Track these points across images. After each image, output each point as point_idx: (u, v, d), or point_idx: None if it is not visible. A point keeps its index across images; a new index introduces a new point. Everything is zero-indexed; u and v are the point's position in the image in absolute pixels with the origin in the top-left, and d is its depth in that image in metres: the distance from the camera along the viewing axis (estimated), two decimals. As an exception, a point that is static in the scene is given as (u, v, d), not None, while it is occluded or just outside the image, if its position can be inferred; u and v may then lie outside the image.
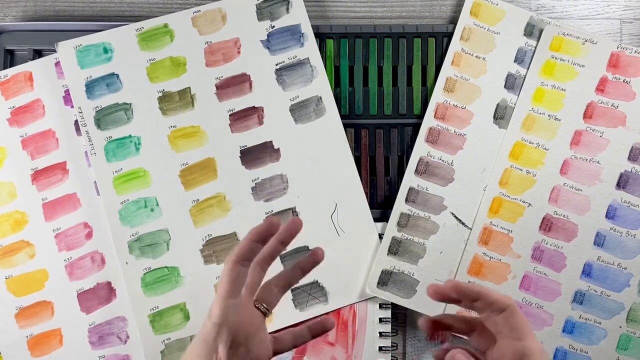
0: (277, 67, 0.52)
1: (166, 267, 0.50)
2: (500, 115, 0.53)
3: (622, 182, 0.52)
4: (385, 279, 0.51)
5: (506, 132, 0.53)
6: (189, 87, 0.51)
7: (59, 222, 0.50)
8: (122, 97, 0.51)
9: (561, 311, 0.51)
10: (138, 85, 0.51)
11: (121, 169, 0.50)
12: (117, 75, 0.51)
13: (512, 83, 0.54)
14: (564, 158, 0.52)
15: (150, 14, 0.55)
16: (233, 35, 0.52)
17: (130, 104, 0.51)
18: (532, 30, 0.54)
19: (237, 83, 0.52)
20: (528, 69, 0.54)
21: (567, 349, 0.51)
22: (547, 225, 0.52)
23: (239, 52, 0.52)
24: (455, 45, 0.54)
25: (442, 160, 0.53)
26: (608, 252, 0.51)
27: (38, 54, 0.54)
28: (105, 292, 0.50)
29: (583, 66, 0.53)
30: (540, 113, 0.53)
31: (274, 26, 0.52)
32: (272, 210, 0.51)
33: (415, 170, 0.52)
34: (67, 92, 0.51)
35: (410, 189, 0.52)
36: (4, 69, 0.52)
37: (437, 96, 0.53)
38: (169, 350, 0.49)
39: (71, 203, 0.50)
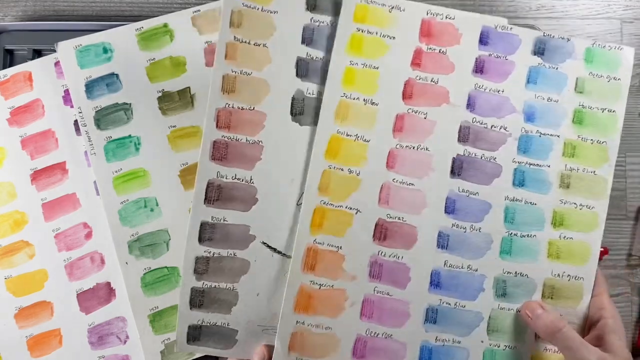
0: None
1: (166, 267, 0.50)
2: (299, 110, 0.45)
3: (456, 169, 0.45)
4: (196, 334, 0.44)
5: (318, 126, 0.44)
6: (189, 87, 0.51)
7: (59, 222, 0.50)
8: (121, 97, 0.51)
9: (414, 336, 0.43)
10: (138, 85, 0.51)
11: (121, 169, 0.50)
12: (117, 75, 0.51)
13: (305, 69, 0.45)
14: (389, 149, 0.44)
15: (150, 14, 0.55)
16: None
17: (130, 104, 0.51)
18: (316, 3, 0.45)
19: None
20: (332, 47, 0.45)
21: None
22: (381, 232, 0.44)
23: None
24: (225, 34, 0.44)
25: (238, 179, 0.44)
26: (454, 253, 0.44)
27: (38, 53, 0.54)
28: (105, 293, 0.50)
29: (393, 38, 0.45)
30: (354, 98, 0.44)
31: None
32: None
33: (205, 199, 0.43)
34: (66, 92, 0.51)
35: (204, 225, 0.43)
36: (4, 68, 0.52)
37: (215, 100, 0.44)
38: (169, 351, 0.49)
39: (71, 203, 0.50)
